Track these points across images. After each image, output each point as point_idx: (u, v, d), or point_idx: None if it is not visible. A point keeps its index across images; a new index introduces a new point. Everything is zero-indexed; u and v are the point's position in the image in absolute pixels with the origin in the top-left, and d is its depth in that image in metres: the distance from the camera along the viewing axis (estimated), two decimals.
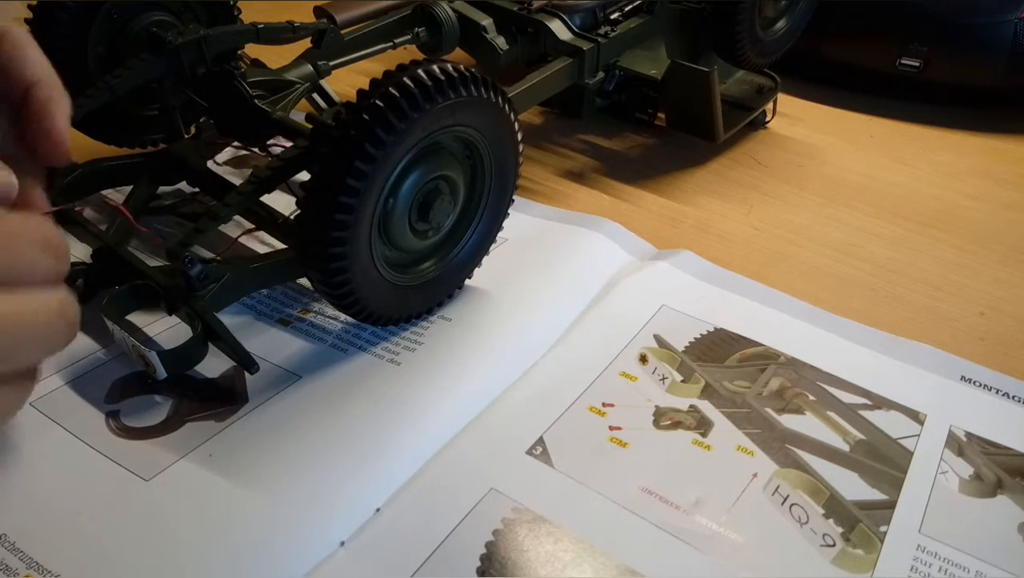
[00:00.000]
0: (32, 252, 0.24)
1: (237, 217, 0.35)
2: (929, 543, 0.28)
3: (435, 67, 0.29)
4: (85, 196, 0.41)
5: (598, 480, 0.29)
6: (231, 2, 0.42)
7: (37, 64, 0.28)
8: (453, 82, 0.29)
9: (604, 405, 0.33)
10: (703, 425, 0.32)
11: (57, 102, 0.28)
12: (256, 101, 0.37)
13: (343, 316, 0.36)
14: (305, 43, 0.43)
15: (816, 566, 0.27)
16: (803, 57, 0.59)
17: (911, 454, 0.31)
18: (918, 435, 0.32)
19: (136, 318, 0.34)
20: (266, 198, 0.34)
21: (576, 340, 0.36)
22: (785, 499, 0.29)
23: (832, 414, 0.33)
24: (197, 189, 0.42)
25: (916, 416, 0.33)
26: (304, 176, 0.30)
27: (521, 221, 0.43)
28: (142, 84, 0.37)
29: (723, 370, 0.35)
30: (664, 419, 0.32)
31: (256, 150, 0.44)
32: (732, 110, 0.52)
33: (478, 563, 0.26)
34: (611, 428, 0.32)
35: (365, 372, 0.33)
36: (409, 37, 0.46)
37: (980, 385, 0.34)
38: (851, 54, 0.60)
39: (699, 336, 0.36)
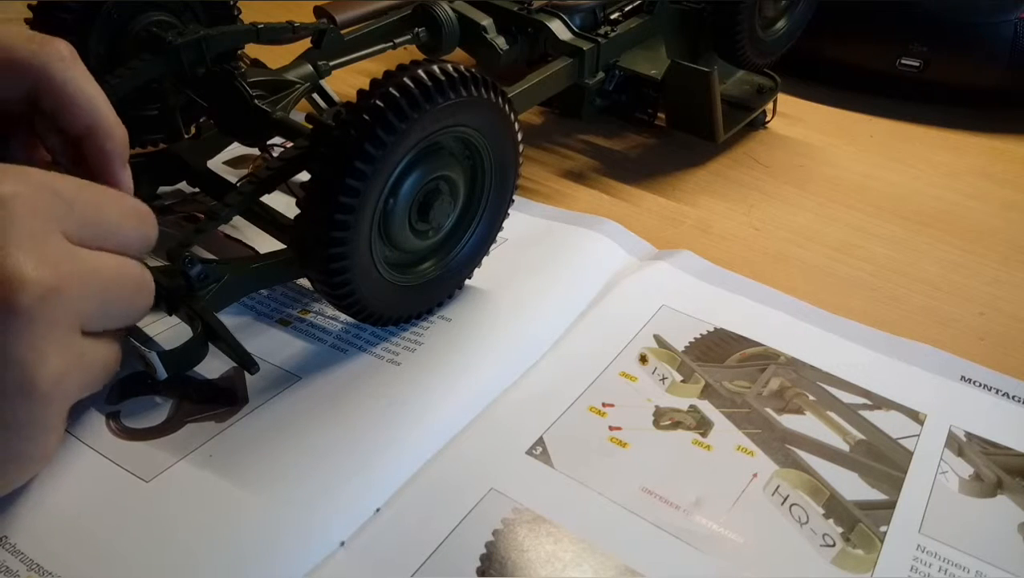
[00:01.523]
0: (120, 217, 0.28)
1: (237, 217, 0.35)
2: (929, 543, 0.28)
3: (435, 67, 0.29)
4: None
5: (598, 480, 0.29)
6: (231, 2, 0.42)
7: (88, 105, 0.30)
8: (453, 82, 0.29)
9: (604, 405, 0.33)
10: (703, 425, 0.32)
11: (114, 152, 0.31)
12: (256, 101, 0.37)
13: (343, 316, 0.36)
14: (305, 43, 0.43)
15: (816, 566, 0.27)
16: (803, 57, 0.59)
17: (911, 454, 0.31)
18: (918, 435, 0.32)
19: None
20: (266, 198, 0.34)
21: (576, 340, 0.36)
22: (785, 499, 0.29)
23: (832, 414, 0.33)
24: (197, 189, 0.42)
25: (916, 416, 0.33)
26: (304, 176, 0.30)
27: (521, 221, 0.43)
28: (142, 84, 0.37)
29: (723, 370, 0.35)
30: (664, 419, 0.32)
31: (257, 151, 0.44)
32: (732, 110, 0.52)
33: (478, 563, 0.26)
34: (611, 428, 0.32)
35: (365, 372, 0.33)
36: (409, 37, 0.46)
37: (980, 385, 0.34)
38: (851, 54, 0.60)
39: (699, 336, 0.36)
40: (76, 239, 0.26)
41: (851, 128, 0.57)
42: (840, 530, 0.28)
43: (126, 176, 0.31)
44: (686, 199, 0.48)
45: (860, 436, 0.32)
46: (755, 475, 0.30)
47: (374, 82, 0.29)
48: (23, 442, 0.25)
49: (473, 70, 0.30)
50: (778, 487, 0.29)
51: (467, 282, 0.37)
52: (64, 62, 0.29)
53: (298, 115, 0.40)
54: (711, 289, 0.39)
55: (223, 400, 0.32)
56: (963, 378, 0.34)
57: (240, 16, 0.42)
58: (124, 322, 0.28)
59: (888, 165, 0.52)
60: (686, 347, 0.36)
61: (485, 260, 0.37)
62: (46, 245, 0.24)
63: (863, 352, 0.36)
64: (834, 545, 0.27)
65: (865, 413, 0.33)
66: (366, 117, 0.28)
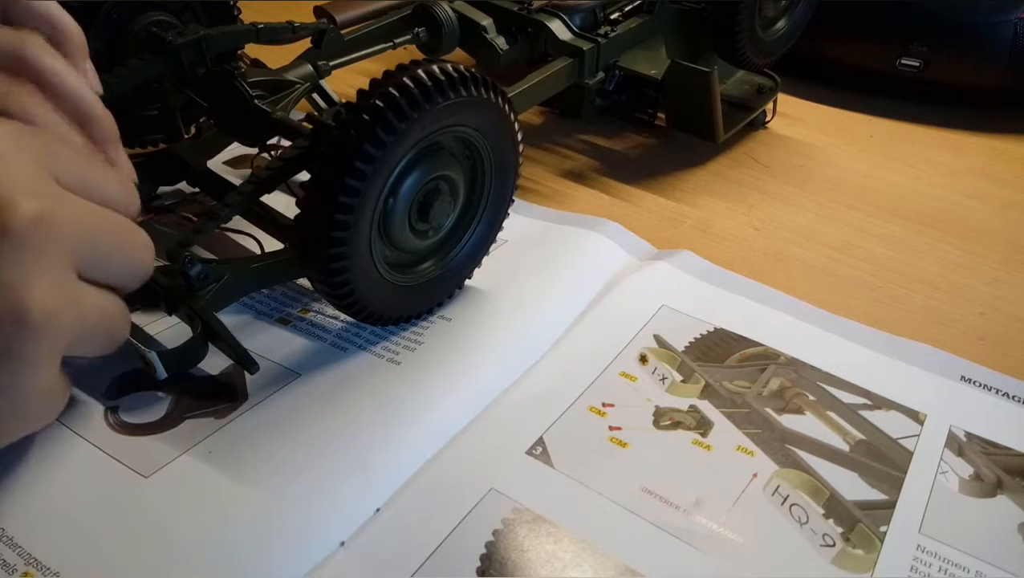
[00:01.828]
0: (105, 175, 0.27)
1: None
2: (929, 543, 0.28)
3: (435, 67, 0.29)
4: None
5: (598, 480, 0.29)
6: (231, 2, 0.42)
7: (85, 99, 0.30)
8: (453, 82, 0.29)
9: (604, 405, 0.33)
10: (703, 425, 0.32)
11: (115, 144, 0.30)
12: (256, 101, 0.37)
13: (343, 315, 0.36)
14: (305, 43, 0.43)
15: (816, 566, 0.27)
16: (803, 57, 0.59)
17: (911, 454, 0.31)
18: (918, 435, 0.32)
19: (136, 318, 0.33)
20: (266, 198, 0.34)
21: (576, 340, 0.36)
22: (785, 499, 0.29)
23: (832, 414, 0.33)
24: (197, 189, 0.42)
25: (916, 416, 0.33)
26: (304, 176, 0.30)
27: (521, 221, 0.43)
28: (142, 84, 0.37)
29: (723, 370, 0.35)
30: (664, 419, 0.32)
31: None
32: (732, 110, 0.52)
33: (478, 563, 0.26)
34: (611, 428, 0.32)
35: (365, 371, 0.33)
36: (409, 37, 0.46)
37: (980, 385, 0.34)
38: (851, 54, 0.60)
39: (699, 336, 0.36)
40: (66, 184, 0.25)
41: (851, 128, 0.57)
42: (840, 530, 0.28)
43: (131, 172, 0.31)
44: (686, 199, 0.48)
45: (860, 436, 0.32)
46: (755, 475, 0.30)
47: (374, 82, 0.29)
48: (14, 375, 0.24)
49: (473, 70, 0.30)
50: (778, 487, 0.29)
51: (467, 282, 0.37)
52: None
53: (298, 115, 0.40)
54: (711, 289, 0.39)
55: (223, 396, 0.32)
56: (963, 378, 0.34)
57: (240, 16, 0.42)
58: (124, 276, 0.28)
59: (888, 165, 0.52)
60: (686, 347, 0.36)
61: (485, 260, 0.37)
62: (38, 180, 0.24)
63: (863, 352, 0.36)
64: (834, 545, 0.27)
65: (865, 413, 0.33)
66: (366, 117, 0.28)
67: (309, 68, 0.40)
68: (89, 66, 0.31)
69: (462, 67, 0.30)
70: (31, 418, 0.26)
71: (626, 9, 0.50)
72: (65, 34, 0.30)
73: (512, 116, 0.33)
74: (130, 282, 0.28)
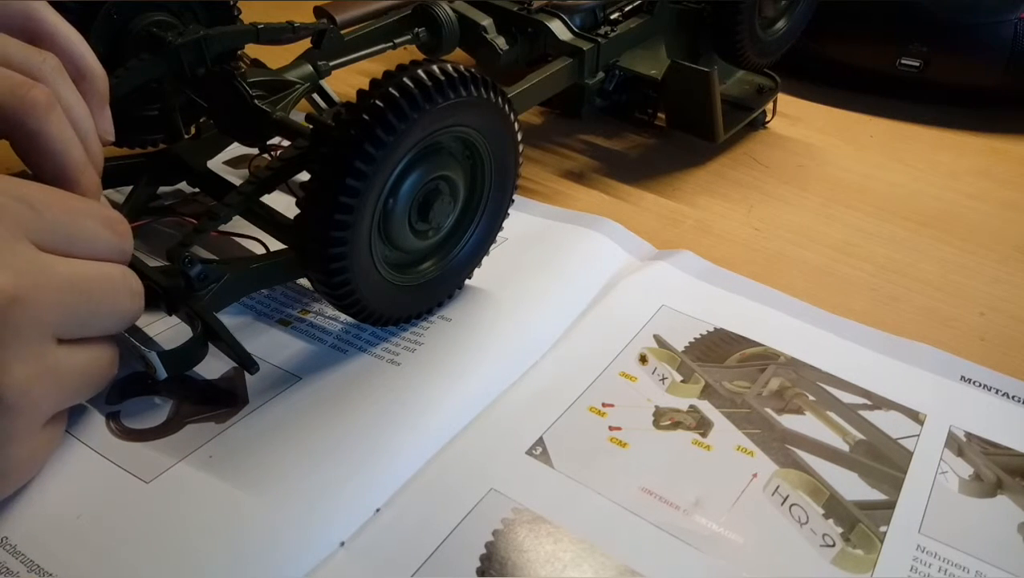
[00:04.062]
0: (94, 225, 0.27)
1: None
2: (929, 543, 0.28)
3: (435, 67, 0.29)
4: None
5: (598, 480, 0.29)
6: (231, 2, 0.42)
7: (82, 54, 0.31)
8: (453, 82, 0.29)
9: (604, 405, 0.33)
10: (703, 425, 0.32)
11: (102, 98, 0.31)
12: (256, 101, 0.37)
13: (343, 316, 0.36)
14: (305, 43, 0.43)
15: (816, 566, 0.27)
16: (803, 57, 0.59)
17: (911, 454, 0.31)
18: (918, 435, 0.32)
19: None
20: (266, 198, 0.34)
21: (576, 340, 0.36)
22: (785, 499, 0.29)
23: (832, 414, 0.33)
24: (197, 189, 0.42)
25: (916, 416, 0.33)
26: (304, 176, 0.30)
27: (521, 221, 0.43)
28: (142, 84, 0.37)
29: (723, 370, 0.35)
30: (664, 419, 0.32)
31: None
32: (732, 110, 0.52)
33: (478, 563, 0.26)
34: (611, 428, 0.32)
35: (365, 372, 0.33)
36: (409, 37, 0.46)
37: (980, 385, 0.34)
38: (851, 54, 0.60)
39: (699, 336, 0.36)
40: (46, 246, 0.25)
41: (851, 128, 0.57)
42: (840, 530, 0.28)
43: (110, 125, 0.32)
44: (686, 199, 0.48)
45: (860, 436, 0.32)
46: (755, 475, 0.30)
47: (374, 82, 0.29)
48: None
49: (473, 70, 0.30)
50: (778, 487, 0.29)
51: (467, 282, 0.37)
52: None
53: (298, 115, 0.40)
54: (711, 289, 0.39)
55: (223, 401, 0.32)
56: (963, 378, 0.34)
57: (240, 16, 0.42)
58: (109, 328, 0.28)
59: (888, 165, 0.52)
60: (686, 347, 0.36)
61: (485, 260, 0.37)
62: (12, 253, 0.24)
63: (863, 352, 0.36)
64: (834, 545, 0.27)
65: (865, 413, 0.33)
66: (366, 117, 0.28)
67: (309, 68, 0.40)
68: (107, 115, 0.32)
69: (462, 67, 0.30)
70: (12, 481, 0.27)
71: (626, 9, 0.50)
72: (86, 72, 0.31)
73: (512, 116, 0.33)
74: (116, 329, 0.28)
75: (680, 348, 0.36)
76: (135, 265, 0.33)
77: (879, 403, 0.33)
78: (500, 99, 0.32)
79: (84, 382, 0.27)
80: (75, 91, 0.30)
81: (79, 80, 0.31)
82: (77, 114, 0.30)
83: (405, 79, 0.28)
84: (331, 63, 0.41)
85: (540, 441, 0.31)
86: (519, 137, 0.35)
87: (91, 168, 0.30)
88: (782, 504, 0.29)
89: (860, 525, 0.28)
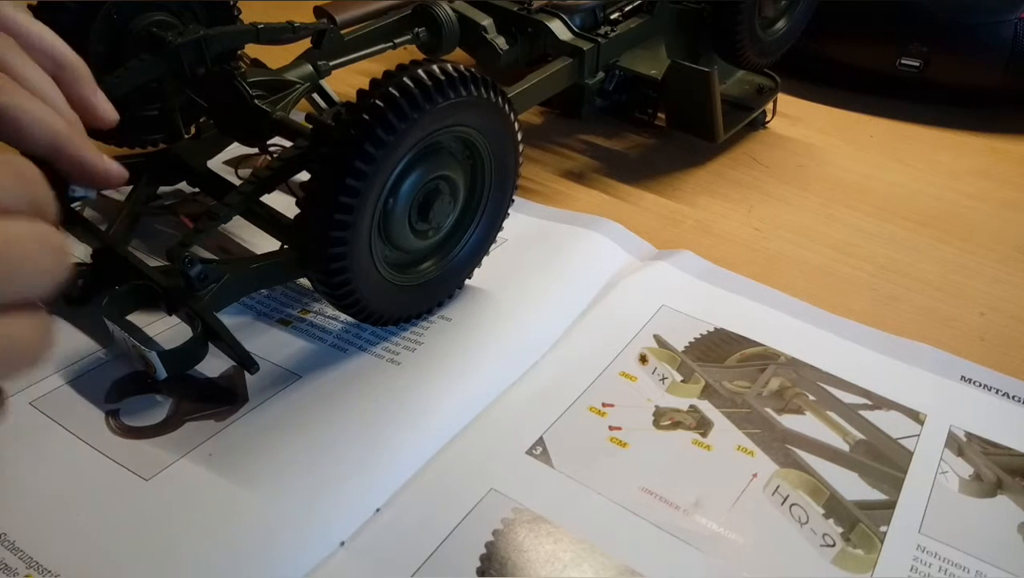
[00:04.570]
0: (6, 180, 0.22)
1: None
2: (929, 543, 0.28)
3: (435, 67, 0.29)
4: None
5: (598, 480, 0.29)
6: (231, 2, 0.42)
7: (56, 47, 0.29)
8: (453, 82, 0.29)
9: (604, 405, 0.33)
10: (703, 425, 0.32)
11: (88, 81, 0.30)
12: (256, 101, 0.37)
13: (343, 316, 0.36)
14: (305, 43, 0.43)
15: (816, 566, 0.27)
16: (803, 57, 0.59)
17: (911, 454, 0.31)
18: (918, 435, 0.32)
19: (136, 318, 0.34)
20: (266, 198, 0.34)
21: (576, 340, 0.36)
22: (785, 499, 0.29)
23: (832, 414, 0.33)
24: (197, 189, 0.42)
25: (916, 416, 0.33)
26: (304, 176, 0.30)
27: (521, 221, 0.43)
28: (142, 84, 0.37)
29: (723, 370, 0.35)
30: (664, 419, 0.32)
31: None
32: (732, 110, 0.52)
33: (478, 563, 0.26)
34: (611, 428, 0.32)
35: (365, 372, 0.33)
36: (409, 37, 0.46)
37: (980, 385, 0.34)
38: (851, 54, 0.60)
39: (699, 336, 0.36)
40: None
41: (851, 128, 0.57)
42: (840, 530, 0.28)
43: (103, 100, 0.31)
44: (686, 199, 0.48)
45: (860, 436, 0.32)
46: (755, 475, 0.30)
47: (374, 82, 0.29)
48: None
49: (473, 70, 0.30)
50: (778, 487, 0.29)
51: (467, 282, 0.37)
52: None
53: (298, 115, 0.40)
54: (711, 289, 0.39)
55: (223, 399, 0.32)
56: (963, 378, 0.34)
57: (240, 16, 0.42)
58: (29, 291, 0.23)
59: (888, 165, 0.52)
60: (686, 347, 0.36)
61: (485, 260, 0.37)
62: None
63: (863, 352, 0.36)
64: (834, 545, 0.27)
65: (865, 413, 0.33)
66: (366, 117, 0.28)
67: (309, 68, 0.40)
68: (101, 96, 0.31)
69: (462, 67, 0.30)
70: None
71: (626, 9, 0.50)
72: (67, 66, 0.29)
73: (512, 116, 0.33)
74: (39, 292, 0.23)
75: (680, 348, 0.36)
76: (133, 264, 0.33)
77: (879, 403, 0.33)
78: (500, 99, 0.32)
79: (6, 357, 0.22)
80: (29, 61, 0.29)
81: (59, 71, 0.30)
82: (35, 83, 0.28)
83: (405, 79, 0.28)
84: (331, 63, 0.41)
85: (540, 441, 0.31)
86: (519, 137, 0.35)
87: (75, 130, 0.28)
88: (782, 504, 0.29)
89: (860, 525, 0.28)
